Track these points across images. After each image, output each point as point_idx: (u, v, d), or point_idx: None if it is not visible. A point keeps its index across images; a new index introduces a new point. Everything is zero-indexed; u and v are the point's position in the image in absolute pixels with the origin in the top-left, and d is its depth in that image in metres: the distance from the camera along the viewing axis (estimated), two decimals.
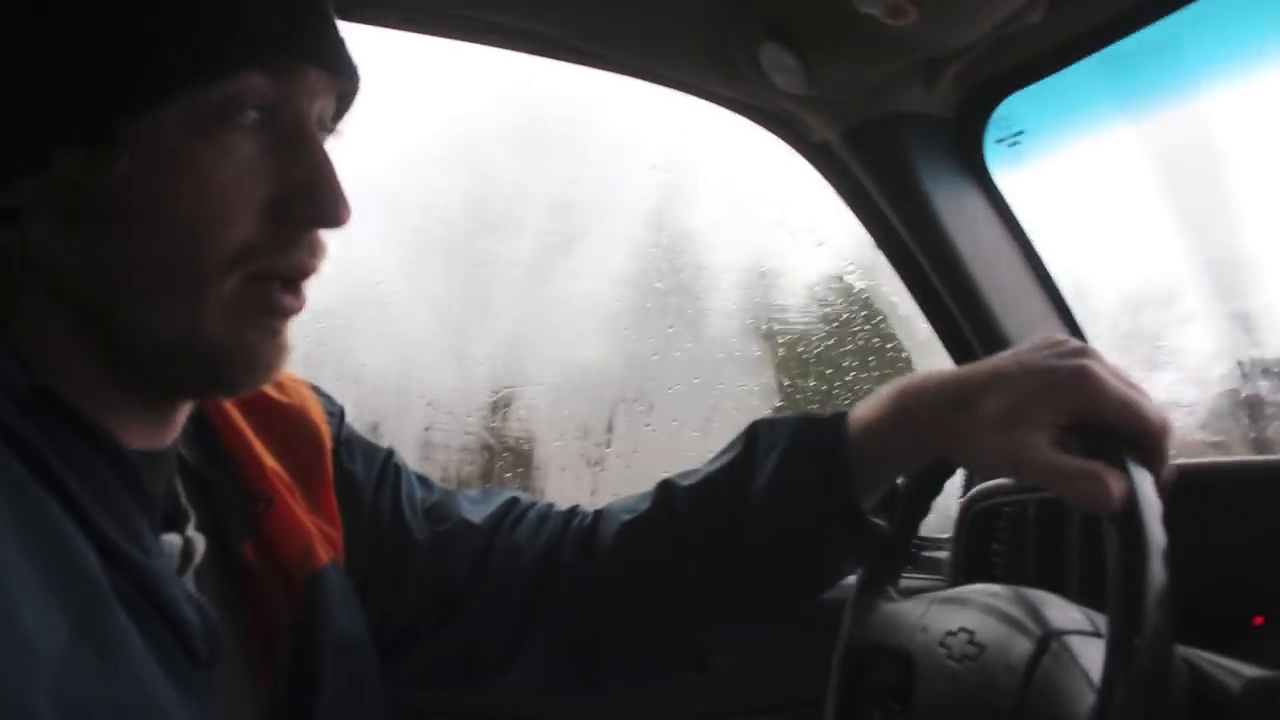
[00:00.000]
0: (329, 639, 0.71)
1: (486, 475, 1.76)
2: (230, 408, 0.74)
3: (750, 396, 1.76)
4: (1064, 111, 1.26)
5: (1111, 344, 1.45)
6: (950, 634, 0.72)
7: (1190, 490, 0.70)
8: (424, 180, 1.71)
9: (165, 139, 0.57)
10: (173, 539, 0.64)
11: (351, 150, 0.68)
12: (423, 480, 0.88)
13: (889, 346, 1.78)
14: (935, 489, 0.84)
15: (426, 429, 1.73)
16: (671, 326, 1.76)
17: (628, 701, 0.96)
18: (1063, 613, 0.70)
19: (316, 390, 0.84)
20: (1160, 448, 0.66)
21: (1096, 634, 0.67)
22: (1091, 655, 0.63)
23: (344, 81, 0.64)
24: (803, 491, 0.78)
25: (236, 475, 0.73)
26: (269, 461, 0.74)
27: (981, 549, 1.16)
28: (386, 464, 0.85)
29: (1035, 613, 0.70)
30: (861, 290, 1.79)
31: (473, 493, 0.90)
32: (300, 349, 0.65)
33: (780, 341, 1.80)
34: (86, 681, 0.49)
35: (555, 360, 1.81)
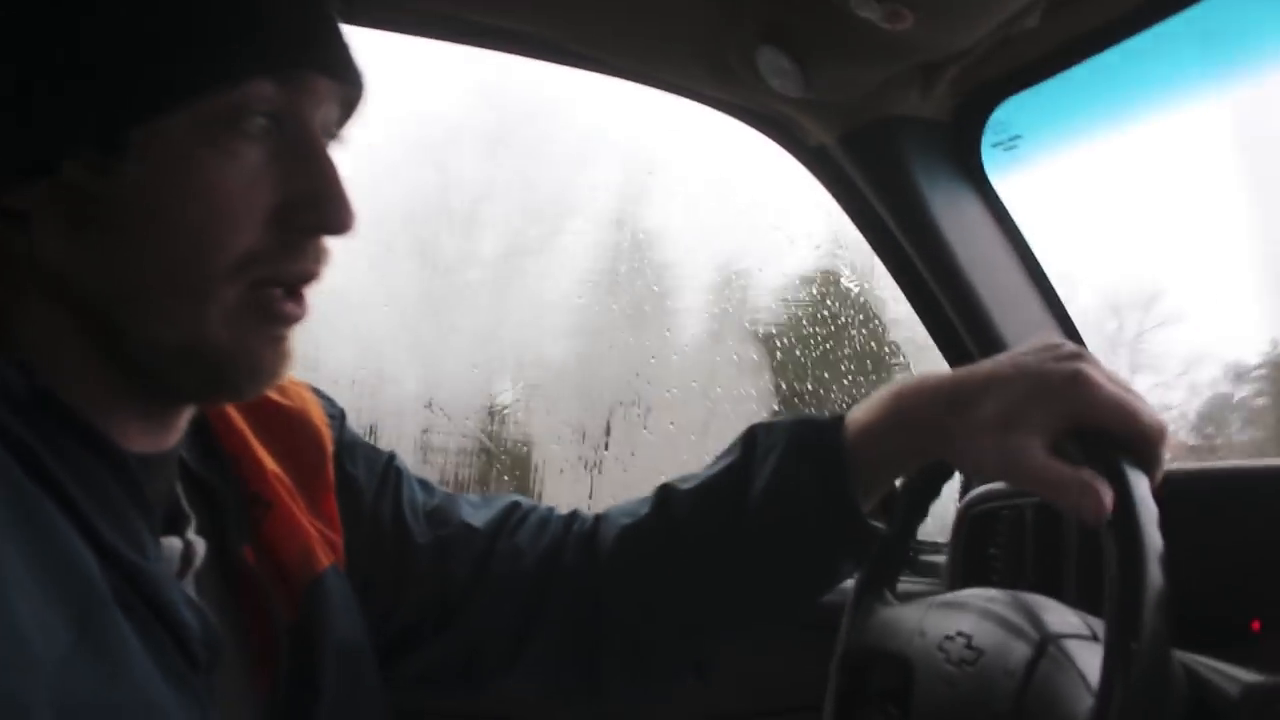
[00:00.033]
0: (328, 643, 0.71)
1: (484, 478, 1.76)
2: (231, 410, 0.74)
3: (748, 400, 1.76)
4: (1060, 116, 1.26)
5: (1099, 347, 1.46)
6: (948, 638, 0.72)
7: (1189, 495, 0.70)
8: (389, 178, 1.70)
9: (173, 145, 0.57)
10: (173, 542, 0.64)
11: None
12: (424, 484, 0.88)
13: (885, 351, 1.79)
14: (932, 492, 0.84)
15: (424, 432, 1.73)
16: (668, 330, 1.76)
17: (626, 705, 0.95)
18: (1060, 617, 0.70)
19: (317, 392, 0.84)
20: (1156, 451, 0.66)
21: (1094, 638, 0.67)
22: (1089, 659, 0.63)
23: (350, 89, 0.64)
24: (801, 493, 0.78)
25: (237, 478, 0.72)
26: (270, 464, 0.74)
27: (979, 553, 1.16)
28: (388, 467, 0.85)
29: (1033, 617, 0.70)
30: (858, 293, 1.79)
31: (474, 497, 0.90)
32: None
33: (778, 346, 1.80)
34: (85, 685, 0.49)
35: (547, 362, 1.82)
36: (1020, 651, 0.66)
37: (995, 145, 1.27)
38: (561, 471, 1.74)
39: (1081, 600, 0.74)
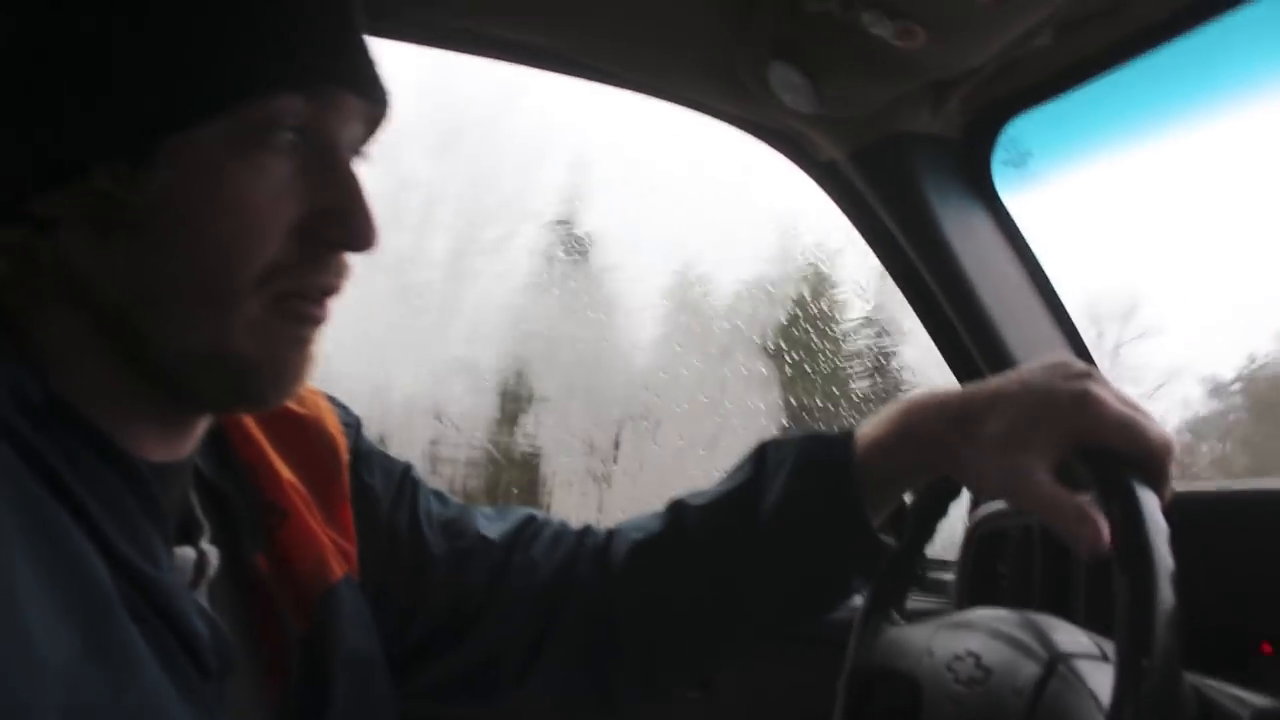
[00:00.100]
0: (340, 653, 0.71)
1: (492, 489, 1.76)
2: (247, 419, 0.74)
3: (757, 415, 1.76)
4: (1072, 133, 1.26)
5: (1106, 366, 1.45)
6: (957, 658, 0.72)
7: (1200, 517, 0.70)
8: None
9: (202, 156, 0.57)
10: (186, 552, 0.64)
11: None
12: (439, 495, 0.88)
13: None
14: (940, 511, 0.84)
15: (433, 442, 1.73)
16: (679, 345, 1.76)
17: (636, 716, 0.95)
18: (1070, 637, 0.69)
19: (333, 401, 0.84)
20: (1164, 469, 0.67)
21: (1104, 658, 0.67)
22: (1099, 679, 0.63)
23: (376, 107, 0.65)
24: (811, 509, 0.78)
25: (251, 487, 0.73)
26: (285, 474, 0.74)
27: (987, 572, 1.16)
28: (404, 478, 0.85)
29: (1042, 636, 0.70)
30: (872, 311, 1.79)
31: (488, 509, 0.90)
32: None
33: (788, 361, 1.80)
34: (95, 694, 0.49)
35: (556, 375, 1.82)
36: (1029, 671, 0.66)
37: (1006, 162, 1.27)
38: (570, 484, 1.74)
39: (1090, 621, 0.74)
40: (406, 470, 0.86)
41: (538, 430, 1.76)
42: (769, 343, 1.79)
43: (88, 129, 0.56)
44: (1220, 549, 0.81)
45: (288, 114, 0.59)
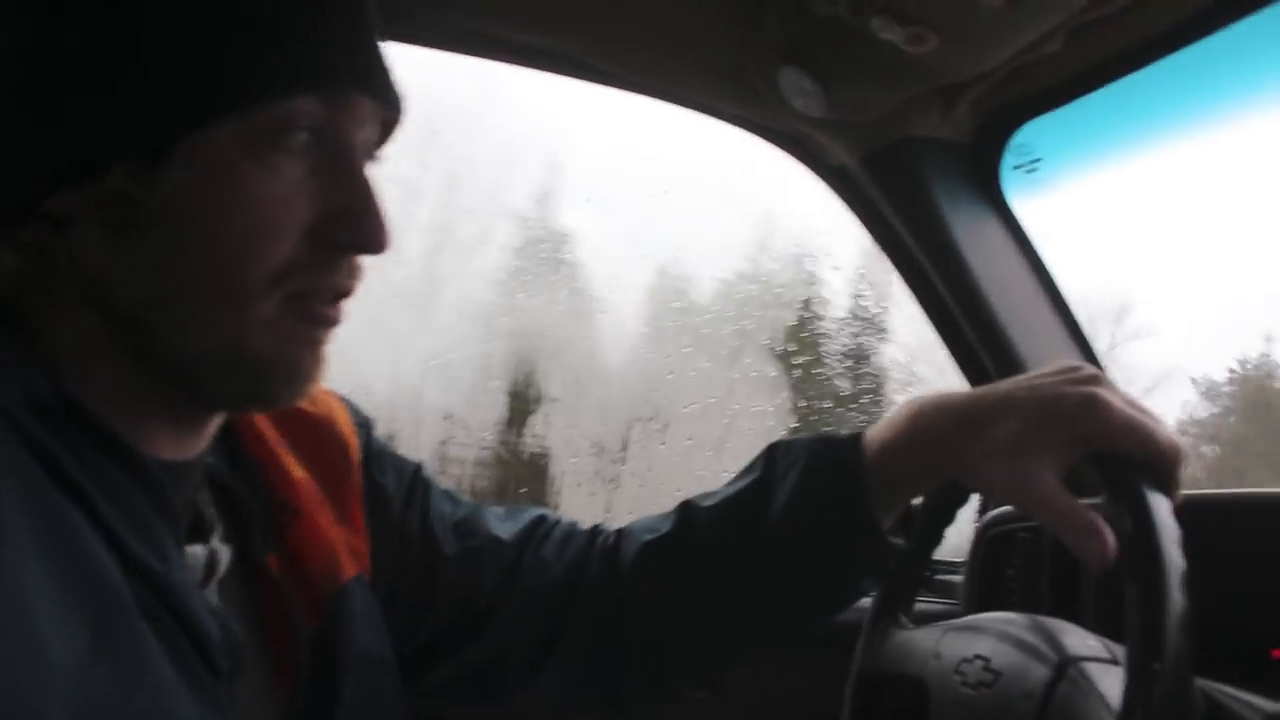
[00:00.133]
0: (350, 653, 0.71)
1: (501, 490, 1.76)
2: (259, 417, 0.74)
3: (765, 417, 1.76)
4: (1082, 139, 1.26)
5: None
6: (965, 661, 0.72)
7: (1209, 522, 0.70)
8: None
9: (217, 156, 0.57)
10: (197, 550, 0.64)
11: None
12: (450, 495, 0.88)
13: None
14: (949, 515, 0.84)
15: (443, 442, 1.74)
16: (688, 346, 1.76)
17: (642, 717, 0.96)
18: (1080, 640, 0.69)
19: (345, 400, 0.84)
20: (1174, 472, 0.67)
21: (1114, 662, 0.67)
22: (1110, 683, 0.63)
23: (390, 110, 0.65)
24: (821, 511, 0.78)
25: (263, 485, 0.73)
26: (297, 472, 0.74)
27: (996, 574, 1.16)
28: (416, 478, 0.85)
29: (1052, 640, 0.70)
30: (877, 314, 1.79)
31: (499, 509, 0.90)
32: None
33: (795, 363, 1.80)
34: (104, 693, 0.49)
35: (566, 375, 1.82)
36: (1039, 674, 0.66)
37: (1016, 168, 1.27)
38: (579, 485, 1.74)
39: (1099, 624, 0.74)
40: (418, 470, 0.86)
41: (546, 431, 1.76)
42: (777, 345, 1.79)
43: (103, 128, 0.57)
44: (1231, 553, 0.81)
45: (303, 115, 0.59)
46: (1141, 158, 1.26)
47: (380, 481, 0.82)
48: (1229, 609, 0.73)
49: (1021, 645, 0.70)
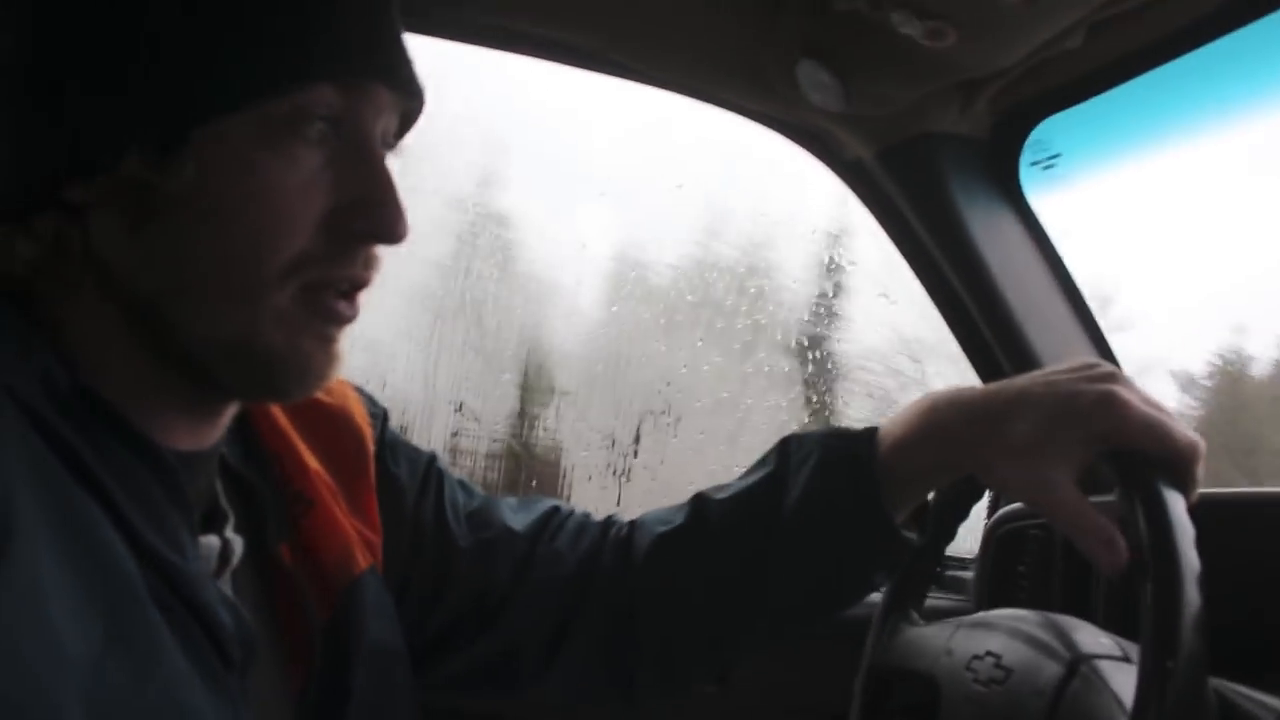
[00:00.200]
0: (362, 644, 0.71)
1: (512, 483, 1.77)
2: (274, 408, 0.74)
3: (778, 411, 1.76)
4: (1101, 135, 1.25)
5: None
6: (977, 658, 0.72)
7: (1224, 521, 0.69)
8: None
9: (233, 145, 0.57)
10: (211, 541, 0.64)
11: None
12: (464, 486, 0.88)
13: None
14: (962, 511, 0.84)
15: (454, 435, 1.74)
16: (701, 340, 1.76)
17: (653, 711, 0.96)
18: (1092, 638, 0.69)
19: (360, 391, 0.84)
20: (1190, 470, 0.66)
21: (1126, 659, 0.67)
22: (1122, 680, 0.63)
23: (409, 101, 0.65)
24: (834, 505, 0.78)
25: (277, 476, 0.73)
26: (311, 463, 0.74)
27: (1007, 571, 1.15)
28: (430, 468, 0.86)
29: (1064, 637, 0.70)
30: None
31: (513, 500, 0.90)
32: None
33: (810, 358, 1.80)
34: (118, 683, 0.49)
35: (579, 368, 1.82)
36: (1051, 671, 0.66)
37: (1034, 164, 1.26)
38: (590, 478, 1.74)
39: (1109, 622, 0.74)
40: (432, 460, 0.87)
41: (558, 424, 1.76)
42: (792, 340, 1.78)
43: (120, 117, 0.57)
44: (1245, 551, 0.80)
45: (320, 105, 0.59)
46: (1160, 155, 1.26)
47: (394, 472, 0.82)
48: (1243, 607, 0.72)
49: (1033, 642, 0.70)
